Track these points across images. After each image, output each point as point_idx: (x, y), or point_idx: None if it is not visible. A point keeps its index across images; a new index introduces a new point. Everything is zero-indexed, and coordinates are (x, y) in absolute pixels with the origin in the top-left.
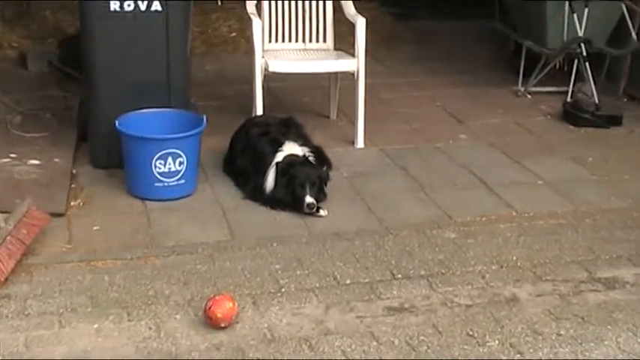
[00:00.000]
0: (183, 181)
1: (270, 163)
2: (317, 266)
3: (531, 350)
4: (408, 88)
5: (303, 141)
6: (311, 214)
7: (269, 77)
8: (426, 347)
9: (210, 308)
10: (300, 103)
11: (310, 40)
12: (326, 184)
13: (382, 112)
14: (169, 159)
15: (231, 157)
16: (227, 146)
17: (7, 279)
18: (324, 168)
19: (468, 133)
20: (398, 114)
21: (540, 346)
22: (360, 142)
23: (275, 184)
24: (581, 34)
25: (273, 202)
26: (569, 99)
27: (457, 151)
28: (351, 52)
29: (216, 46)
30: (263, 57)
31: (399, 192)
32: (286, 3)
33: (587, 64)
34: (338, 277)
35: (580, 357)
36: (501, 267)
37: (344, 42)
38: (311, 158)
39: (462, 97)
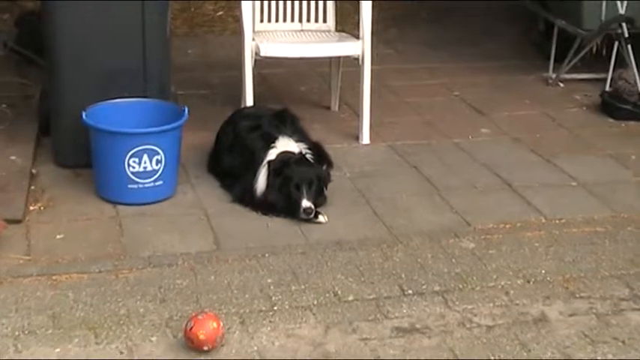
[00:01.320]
0: (160, 182)
1: (262, 162)
2: (315, 280)
3: None
4: (422, 75)
5: (300, 136)
6: (308, 220)
7: (260, 62)
8: None
9: (191, 329)
10: (296, 92)
11: (308, 20)
12: (326, 186)
13: (391, 102)
14: (145, 157)
15: (216, 155)
16: (212, 142)
17: None
18: (324, 167)
19: (491, 127)
20: (409, 105)
21: None
22: (365, 138)
23: (267, 186)
24: (622, 12)
25: (264, 206)
26: (608, 87)
27: (478, 147)
28: (355, 33)
29: (199, 27)
30: (254, 39)
31: (411, 195)
32: None
33: (629, 46)
34: (339, 292)
35: None
36: (528, 282)
37: (347, 22)
38: (308, 156)
39: (484, 86)
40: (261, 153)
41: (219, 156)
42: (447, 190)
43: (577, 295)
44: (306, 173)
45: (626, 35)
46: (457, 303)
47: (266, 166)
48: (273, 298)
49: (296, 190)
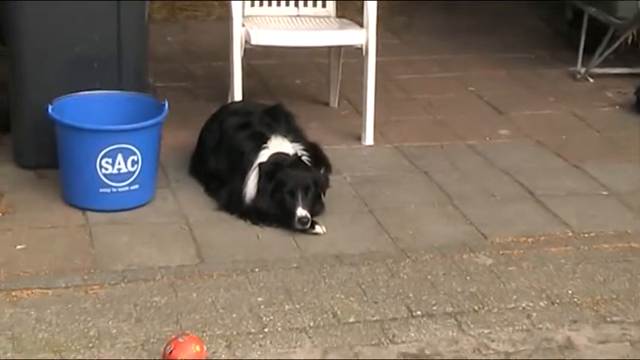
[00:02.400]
0: (136, 186)
1: (252, 164)
2: (311, 299)
3: None
4: (433, 68)
5: (295, 136)
6: (304, 230)
7: (251, 52)
8: None
9: (171, 353)
10: (291, 86)
11: (305, 4)
12: (324, 192)
13: (398, 99)
14: (119, 157)
15: (200, 156)
16: (195, 142)
17: None
18: (322, 171)
19: (510, 128)
20: (419, 102)
21: None
22: (368, 138)
23: (257, 192)
24: None
25: (254, 214)
26: None
27: (496, 151)
28: (358, 20)
29: (181, 11)
30: (243, 25)
31: (420, 204)
32: None
33: None
34: (339, 313)
35: None
36: (553, 303)
37: (349, 7)
38: (304, 158)
39: (503, 81)
40: (251, 154)
41: (204, 157)
42: (460, 199)
43: (608, 320)
44: (302, 178)
45: None
46: (472, 326)
47: (256, 169)
48: (264, 318)
49: (290, 197)
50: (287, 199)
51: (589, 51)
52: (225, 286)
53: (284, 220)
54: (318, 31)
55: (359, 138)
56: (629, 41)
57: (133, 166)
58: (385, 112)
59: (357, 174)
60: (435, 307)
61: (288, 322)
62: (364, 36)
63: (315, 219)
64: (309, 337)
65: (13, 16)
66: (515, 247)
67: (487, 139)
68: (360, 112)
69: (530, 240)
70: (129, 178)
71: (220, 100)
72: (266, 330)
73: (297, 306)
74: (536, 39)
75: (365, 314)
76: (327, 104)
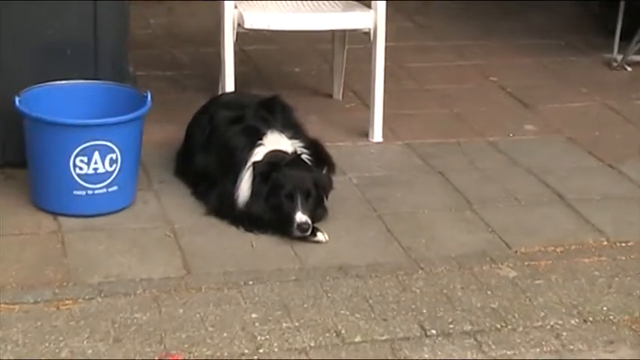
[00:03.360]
0: (115, 187)
1: (245, 163)
2: (312, 316)
3: None
4: (450, 56)
5: (293, 131)
6: (304, 238)
7: (244, 37)
8: None
9: None
10: (289, 75)
11: None
12: (326, 195)
13: (410, 89)
14: (96, 155)
15: (187, 154)
16: (181, 138)
17: None
18: (324, 171)
19: (537, 123)
20: (433, 93)
21: None
22: (376, 134)
23: (252, 194)
24: None
25: (248, 220)
26: None
27: (520, 148)
28: (365, 1)
29: None
30: (236, 6)
31: (434, 208)
32: None
33: None
34: (343, 332)
35: None
36: (585, 321)
37: None
38: (304, 156)
39: (529, 70)
40: (244, 152)
41: (191, 155)
42: (480, 203)
43: None
44: (302, 179)
45: None
46: (493, 347)
47: (250, 168)
48: (259, 337)
49: (288, 201)
50: (285, 203)
51: (626, 36)
52: (215, 301)
53: (281, 226)
54: (320, 14)
55: (366, 134)
56: None
57: (111, 165)
58: (396, 104)
59: (364, 174)
60: (451, 326)
61: (286, 342)
62: (372, 19)
63: (316, 225)
64: (310, 359)
65: None
66: (542, 258)
67: (510, 135)
68: (368, 105)
69: (559, 249)
70: (107, 179)
71: (210, 91)
72: (261, 351)
73: (296, 324)
74: (567, 22)
75: (373, 333)
76: (330, 96)
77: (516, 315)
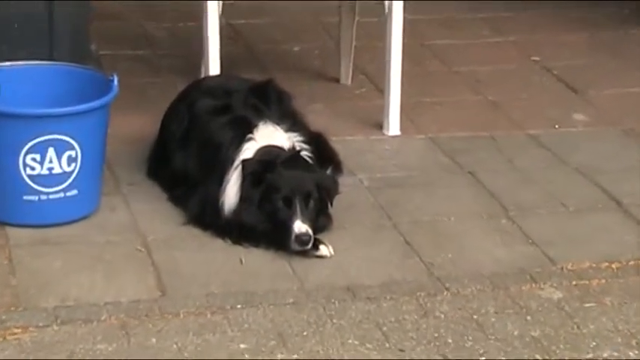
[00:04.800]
0: (75, 191)
1: (233, 162)
2: (313, 346)
3: None
4: (481, 30)
5: (291, 123)
6: (304, 252)
7: (232, 8)
8: None
9: None
10: (287, 54)
11: None
12: (331, 200)
13: (434, 72)
14: (51, 152)
15: (162, 151)
16: (156, 131)
17: None
18: (328, 171)
19: (589, 112)
20: (462, 76)
21: None
22: (393, 126)
23: (241, 200)
24: None
25: (236, 230)
26: None
27: (568, 143)
28: None
29: None
30: None
31: (463, 216)
32: None
33: None
34: None
35: None
36: None
37: None
38: (305, 153)
39: (580, 47)
40: (232, 148)
41: (167, 153)
42: (519, 210)
43: None
44: (301, 180)
45: None
46: None
47: (239, 168)
48: None
49: (285, 207)
50: (281, 210)
51: None
52: (196, 329)
53: (277, 238)
54: None
55: (380, 126)
56: None
57: (69, 164)
58: (416, 90)
59: (378, 175)
60: (482, 358)
61: None
62: None
63: (318, 237)
64: None
65: None
66: (594, 276)
67: (556, 127)
68: (382, 91)
69: (614, 266)
70: (64, 181)
71: (190, 74)
72: None
73: (294, 355)
74: None
75: None
76: (336, 80)
77: (561, 346)
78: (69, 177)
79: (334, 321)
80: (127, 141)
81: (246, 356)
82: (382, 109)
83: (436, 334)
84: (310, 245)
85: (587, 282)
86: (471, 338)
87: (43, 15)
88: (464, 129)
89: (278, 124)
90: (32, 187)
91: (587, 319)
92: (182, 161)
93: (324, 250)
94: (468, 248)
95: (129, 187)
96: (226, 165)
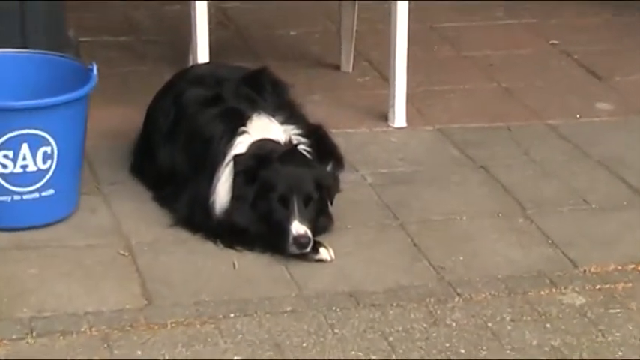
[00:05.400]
0: (51, 191)
1: (224, 158)
2: (313, 357)
3: None
4: (495, 12)
5: (288, 114)
6: (303, 256)
7: None
8: None
9: None
10: (282, 40)
11: None
12: (331, 199)
13: (444, 58)
14: (24, 149)
15: (147, 147)
16: (139, 125)
17: None
18: (329, 167)
19: (614, 100)
20: (475, 62)
21: None
22: (399, 117)
23: (233, 199)
24: None
25: (228, 233)
26: None
27: (591, 134)
28: None
29: None
30: None
31: (476, 215)
32: None
33: None
34: None
35: None
36: None
37: None
38: (302, 148)
39: (603, 30)
40: (223, 143)
41: (152, 148)
42: (537, 207)
43: None
44: (299, 178)
45: None
46: None
47: (231, 164)
48: None
49: (282, 207)
50: (277, 210)
51: None
52: (185, 340)
53: (273, 240)
54: None
55: (385, 117)
56: None
57: (45, 161)
58: (424, 78)
59: (382, 171)
60: None
61: None
62: None
63: (318, 239)
64: None
65: None
66: (619, 279)
67: (577, 116)
68: (387, 79)
69: None
70: (39, 180)
71: (177, 63)
72: None
73: None
74: None
75: None
76: (337, 67)
77: (584, 355)
78: (44, 175)
79: (336, 330)
80: (109, 136)
81: None
82: (387, 99)
83: (447, 344)
84: (309, 248)
85: (612, 286)
86: (485, 348)
87: None
88: (476, 119)
89: (273, 115)
90: (4, 187)
91: (612, 326)
92: (169, 157)
93: (324, 253)
94: (482, 250)
95: (111, 187)
96: (217, 161)
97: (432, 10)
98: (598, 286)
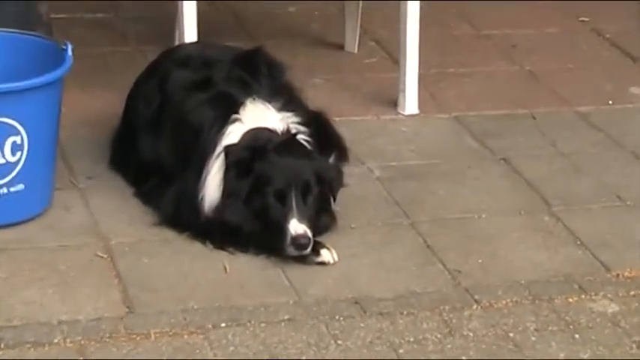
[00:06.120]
0: (21, 186)
1: (214, 149)
2: None
3: None
4: None
5: (286, 100)
6: (302, 258)
7: None
8: None
9: None
10: (280, 17)
11: None
12: (334, 195)
13: (461, 37)
14: None
15: (128, 137)
16: (119, 112)
17: None
18: (331, 159)
19: None
20: (495, 41)
21: None
22: (410, 104)
23: (224, 194)
24: None
25: (219, 232)
26: None
27: (625, 122)
28: None
29: None
30: None
31: (496, 212)
32: None
33: None
34: None
35: None
36: None
37: None
38: (302, 137)
39: (636, 8)
40: (213, 131)
41: (134, 138)
42: (565, 204)
43: None
44: (298, 170)
45: None
46: None
47: (222, 156)
48: None
49: (278, 203)
50: (273, 207)
51: None
52: (171, 353)
53: (268, 241)
54: None
55: (394, 103)
56: None
57: (13, 153)
58: (439, 59)
59: (392, 163)
60: None
61: None
62: None
63: (319, 239)
64: None
65: None
66: None
67: (610, 102)
68: (397, 60)
69: None
70: (8, 174)
71: (161, 42)
72: None
73: None
74: None
75: None
76: (340, 47)
77: None
78: (13, 169)
79: (339, 342)
80: (85, 124)
81: None
82: (396, 83)
83: (464, 357)
84: (309, 249)
85: None
86: None
87: None
88: (497, 106)
89: (269, 101)
90: None
91: None
92: (152, 148)
93: (326, 255)
94: (502, 252)
95: (88, 181)
96: (206, 152)
97: None
98: (632, 293)
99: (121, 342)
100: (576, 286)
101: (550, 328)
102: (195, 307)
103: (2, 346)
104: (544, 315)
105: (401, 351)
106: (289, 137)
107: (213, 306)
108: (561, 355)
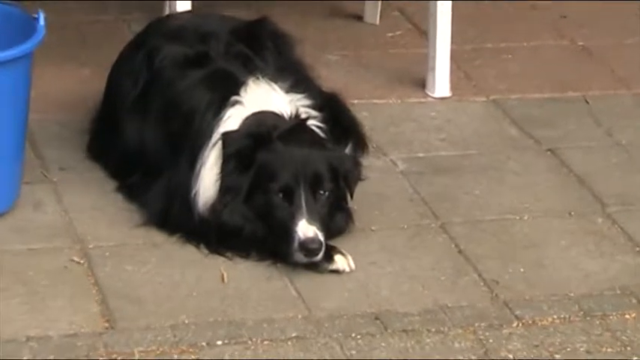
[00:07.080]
0: None
1: (211, 136)
2: None
3: None
4: None
5: (294, 80)
6: (313, 265)
7: None
8: None
9: None
10: None
11: None
12: (351, 191)
13: (500, 6)
14: None
15: (110, 121)
16: (101, 93)
17: None
18: (348, 149)
19: None
20: (542, 13)
21: None
22: (440, 85)
23: (222, 190)
24: None
25: (216, 234)
26: None
27: None
28: None
29: None
30: None
31: (541, 213)
32: None
33: None
34: None
35: None
36: None
37: None
38: (314, 123)
39: None
40: (209, 116)
41: (117, 122)
42: (622, 204)
43: None
44: (308, 162)
45: None
46: None
47: (219, 144)
48: None
49: (285, 201)
50: (278, 205)
51: None
52: None
53: (273, 245)
54: None
55: (422, 84)
56: None
57: None
58: (474, 34)
59: (418, 155)
60: None
61: None
62: None
63: (332, 244)
64: None
65: None
66: None
67: None
68: (424, 34)
69: None
70: None
71: (149, 11)
72: None
73: None
74: None
75: None
76: (359, 18)
77: None
78: None
79: None
80: (60, 106)
81: None
82: (425, 60)
83: None
84: (321, 256)
85: None
86: None
87: None
88: (543, 88)
89: (275, 81)
90: None
91: None
92: (137, 135)
93: (340, 262)
94: (548, 260)
95: (61, 173)
96: (201, 140)
97: None
98: None
99: None
100: (634, 301)
101: (604, 349)
102: (187, 322)
103: None
104: (596, 334)
105: None
106: (298, 123)
107: (208, 321)
108: None
